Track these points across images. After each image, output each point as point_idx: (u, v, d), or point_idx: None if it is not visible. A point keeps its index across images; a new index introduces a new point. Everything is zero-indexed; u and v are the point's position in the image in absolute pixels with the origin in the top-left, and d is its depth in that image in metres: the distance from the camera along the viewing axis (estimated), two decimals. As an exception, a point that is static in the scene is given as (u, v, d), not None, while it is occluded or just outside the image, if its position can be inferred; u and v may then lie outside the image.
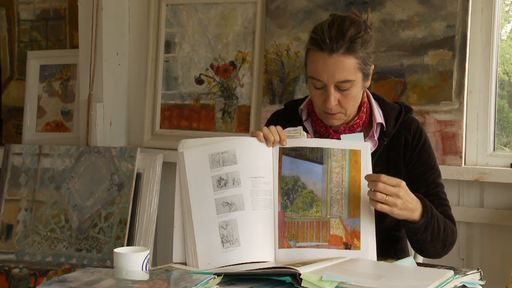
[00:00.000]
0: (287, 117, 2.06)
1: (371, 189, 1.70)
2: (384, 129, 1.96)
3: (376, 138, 1.96)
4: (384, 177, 1.69)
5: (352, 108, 1.92)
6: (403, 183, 1.72)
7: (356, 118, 1.96)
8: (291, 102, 2.12)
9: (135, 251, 1.63)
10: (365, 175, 1.75)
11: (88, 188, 3.04)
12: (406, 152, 1.97)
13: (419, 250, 1.91)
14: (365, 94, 1.99)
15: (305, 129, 1.94)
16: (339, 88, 1.86)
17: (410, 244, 1.93)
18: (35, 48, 3.57)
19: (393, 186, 1.69)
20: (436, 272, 1.63)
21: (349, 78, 1.84)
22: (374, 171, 1.81)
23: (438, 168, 2.00)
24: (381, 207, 1.70)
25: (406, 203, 1.72)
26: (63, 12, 3.51)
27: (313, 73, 1.87)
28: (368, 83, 1.95)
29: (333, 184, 1.79)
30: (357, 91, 1.90)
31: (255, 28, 2.99)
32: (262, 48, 2.96)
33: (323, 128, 1.98)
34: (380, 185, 1.68)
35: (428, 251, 1.89)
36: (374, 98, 2.01)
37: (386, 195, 1.69)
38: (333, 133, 1.95)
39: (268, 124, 1.93)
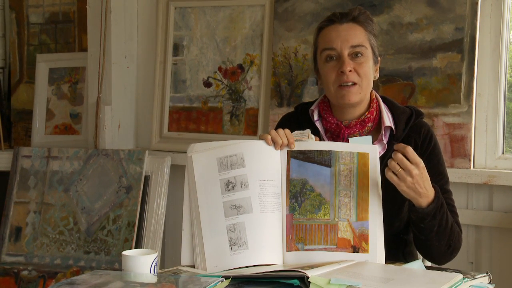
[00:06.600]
0: (297, 119, 2.07)
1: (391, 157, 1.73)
2: (394, 133, 1.96)
3: (385, 142, 1.96)
4: (409, 150, 1.72)
5: (366, 81, 1.95)
6: (422, 166, 1.73)
7: (367, 113, 1.97)
8: (301, 104, 2.13)
9: (143, 253, 1.64)
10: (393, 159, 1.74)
11: (96, 191, 3.05)
12: (416, 156, 1.97)
13: (423, 247, 1.90)
14: (373, 92, 2.02)
15: (314, 132, 1.94)
16: (352, 57, 1.93)
17: (415, 241, 1.92)
18: (44, 51, 3.59)
19: (411, 163, 1.71)
20: (444, 276, 1.62)
21: (361, 43, 1.94)
22: (383, 175, 1.81)
23: (446, 174, 2.00)
24: (390, 176, 1.73)
25: (415, 184, 1.74)
26: (72, 15, 3.52)
27: (326, 43, 1.96)
28: (377, 74, 2.02)
29: (341, 187, 1.79)
30: (369, 66, 1.95)
31: (263, 31, 2.99)
32: (270, 51, 2.96)
33: (334, 125, 1.98)
34: (399, 156, 1.71)
35: (433, 248, 1.87)
36: (384, 102, 2.02)
37: (400, 167, 1.71)
38: (345, 128, 1.95)
39: (278, 127, 1.93)
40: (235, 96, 3.07)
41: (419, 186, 1.74)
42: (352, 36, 1.93)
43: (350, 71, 1.92)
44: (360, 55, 1.93)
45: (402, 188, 1.74)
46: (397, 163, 1.72)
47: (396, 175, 1.73)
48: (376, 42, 2.00)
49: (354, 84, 1.93)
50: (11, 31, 3.67)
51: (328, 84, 1.96)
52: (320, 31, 2.00)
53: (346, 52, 1.92)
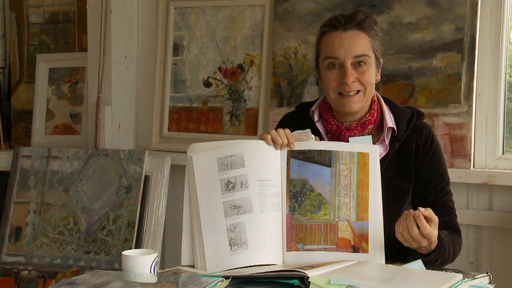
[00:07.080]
0: (298, 119, 2.06)
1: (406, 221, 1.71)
2: (396, 134, 1.96)
3: (387, 143, 1.96)
4: (434, 219, 1.70)
5: (370, 88, 1.93)
6: (434, 239, 1.72)
7: (367, 115, 1.96)
8: (302, 104, 2.13)
9: (143, 253, 1.64)
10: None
11: (96, 191, 3.05)
12: (417, 158, 1.96)
13: None
14: (375, 94, 2.01)
15: (314, 132, 1.94)
16: (355, 65, 1.90)
17: None
18: (44, 51, 3.58)
19: (421, 233, 1.70)
20: (444, 276, 1.62)
21: (365, 52, 1.90)
22: (385, 176, 1.81)
23: (447, 176, 2.00)
24: (397, 235, 1.73)
25: (419, 245, 1.74)
26: (72, 15, 3.52)
27: (330, 52, 1.92)
28: (379, 76, 2.00)
29: (341, 187, 1.79)
30: (372, 73, 1.93)
31: (263, 31, 2.99)
32: (270, 51, 2.96)
33: (335, 127, 1.97)
34: (414, 232, 1.70)
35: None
36: (386, 103, 2.02)
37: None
38: (345, 130, 1.95)
39: (278, 127, 1.93)
40: (235, 96, 3.07)
41: (422, 246, 1.75)
42: (356, 45, 1.90)
43: (353, 81, 1.91)
44: (363, 63, 1.91)
45: (404, 243, 1.75)
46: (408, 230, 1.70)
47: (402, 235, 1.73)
48: (379, 45, 1.97)
49: (358, 92, 1.92)
50: (11, 31, 3.67)
51: (328, 90, 1.95)
52: (323, 35, 1.97)
53: (349, 62, 1.90)
